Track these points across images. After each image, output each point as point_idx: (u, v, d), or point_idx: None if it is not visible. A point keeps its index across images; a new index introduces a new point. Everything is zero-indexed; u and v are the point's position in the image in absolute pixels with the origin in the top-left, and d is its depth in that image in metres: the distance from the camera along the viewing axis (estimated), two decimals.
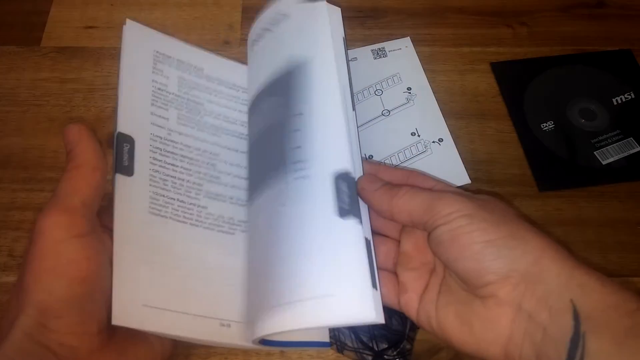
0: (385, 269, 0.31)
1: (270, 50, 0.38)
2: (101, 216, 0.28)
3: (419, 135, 0.43)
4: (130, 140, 0.31)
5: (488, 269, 0.25)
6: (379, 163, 0.41)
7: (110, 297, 0.25)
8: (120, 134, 0.31)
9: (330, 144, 0.31)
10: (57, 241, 0.24)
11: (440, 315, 0.27)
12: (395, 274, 0.31)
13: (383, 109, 0.45)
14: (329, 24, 0.35)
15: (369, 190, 0.29)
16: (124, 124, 0.32)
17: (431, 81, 0.47)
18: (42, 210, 0.24)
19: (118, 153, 0.30)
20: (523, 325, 0.24)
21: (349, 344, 0.35)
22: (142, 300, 0.27)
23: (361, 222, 0.28)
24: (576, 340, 0.22)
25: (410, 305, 0.29)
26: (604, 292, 0.23)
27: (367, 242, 0.28)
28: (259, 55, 0.39)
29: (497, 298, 0.25)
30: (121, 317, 0.25)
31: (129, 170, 0.30)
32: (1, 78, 0.47)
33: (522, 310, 0.24)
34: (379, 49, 0.48)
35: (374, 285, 0.27)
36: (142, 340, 0.28)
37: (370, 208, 0.30)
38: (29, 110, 0.46)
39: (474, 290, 0.26)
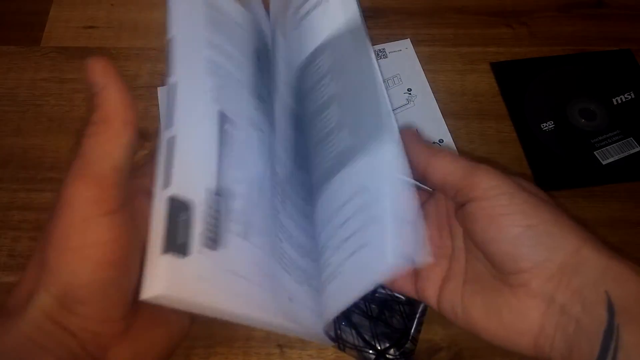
0: None
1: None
2: (134, 179, 0.24)
3: None
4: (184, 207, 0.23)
5: (524, 255, 0.24)
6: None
7: (137, 279, 0.23)
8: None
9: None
10: (85, 218, 0.21)
11: (467, 305, 0.26)
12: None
13: None
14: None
15: (412, 141, 0.28)
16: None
17: (431, 81, 0.47)
18: (69, 175, 0.22)
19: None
20: (555, 318, 0.23)
21: (351, 341, 0.35)
22: (189, 272, 0.22)
23: None
24: (610, 332, 0.21)
25: (429, 293, 0.28)
26: None
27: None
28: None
29: (529, 288, 0.24)
30: (164, 291, 0.21)
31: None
32: (1, 78, 0.47)
33: (555, 303, 0.23)
34: (379, 50, 0.48)
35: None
36: (163, 322, 0.26)
37: (408, 158, 0.28)
38: (29, 110, 0.46)
39: (504, 276, 0.25)
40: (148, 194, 0.24)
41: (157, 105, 0.46)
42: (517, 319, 0.24)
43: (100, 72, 0.22)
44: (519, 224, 0.24)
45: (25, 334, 0.21)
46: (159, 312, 0.24)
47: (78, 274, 0.21)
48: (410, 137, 0.29)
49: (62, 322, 0.21)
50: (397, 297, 0.36)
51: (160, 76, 0.47)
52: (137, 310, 0.24)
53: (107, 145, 0.22)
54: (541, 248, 0.24)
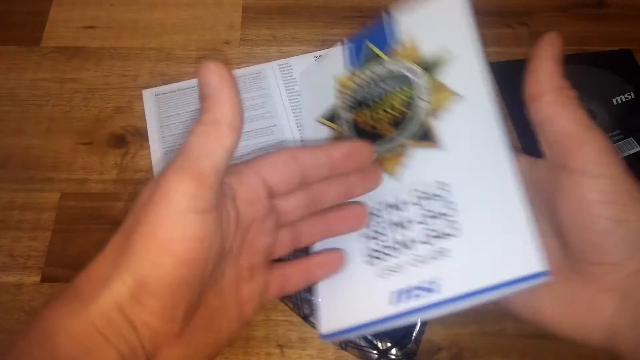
0: None
1: None
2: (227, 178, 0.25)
3: None
4: None
5: (612, 249, 0.22)
6: None
7: (206, 284, 0.23)
8: None
9: None
10: (178, 212, 0.21)
11: (534, 296, 0.25)
12: None
13: None
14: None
15: (547, 55, 0.25)
16: None
17: None
18: (169, 167, 0.22)
19: None
20: (631, 313, 0.22)
21: (353, 340, 0.35)
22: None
23: None
24: None
25: None
26: None
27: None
28: None
29: (605, 283, 0.23)
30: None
31: None
32: (1, 78, 0.47)
33: (631, 298, 0.22)
34: None
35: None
36: (214, 330, 0.26)
37: (530, 69, 0.26)
38: (29, 110, 0.46)
39: (578, 264, 0.24)
40: (231, 200, 0.24)
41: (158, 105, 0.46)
42: (589, 313, 0.23)
43: (217, 76, 0.22)
44: (614, 217, 0.22)
45: (93, 323, 0.20)
46: (213, 320, 0.25)
47: (158, 266, 0.21)
48: (549, 47, 0.25)
49: (129, 314, 0.21)
50: None
51: (160, 76, 0.47)
52: (193, 315, 0.24)
53: (212, 146, 0.22)
54: (631, 245, 0.22)
